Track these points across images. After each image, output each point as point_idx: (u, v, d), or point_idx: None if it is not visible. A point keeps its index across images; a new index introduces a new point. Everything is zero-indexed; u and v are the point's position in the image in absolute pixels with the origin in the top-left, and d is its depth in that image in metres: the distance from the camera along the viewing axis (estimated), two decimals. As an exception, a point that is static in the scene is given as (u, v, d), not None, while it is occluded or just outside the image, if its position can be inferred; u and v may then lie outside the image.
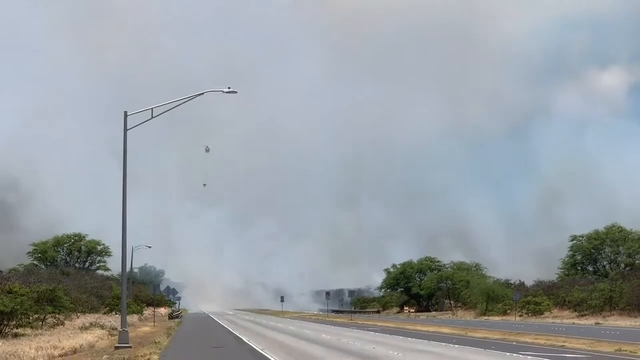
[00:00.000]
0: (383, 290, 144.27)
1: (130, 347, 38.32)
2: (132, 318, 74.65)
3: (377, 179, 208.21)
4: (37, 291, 54.94)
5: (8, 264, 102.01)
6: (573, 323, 73.43)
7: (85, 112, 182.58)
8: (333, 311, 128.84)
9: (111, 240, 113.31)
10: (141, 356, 32.45)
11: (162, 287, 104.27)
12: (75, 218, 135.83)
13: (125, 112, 40.72)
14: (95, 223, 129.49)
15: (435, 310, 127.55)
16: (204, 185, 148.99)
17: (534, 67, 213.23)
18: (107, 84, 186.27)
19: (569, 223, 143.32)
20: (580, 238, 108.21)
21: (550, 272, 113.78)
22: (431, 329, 61.80)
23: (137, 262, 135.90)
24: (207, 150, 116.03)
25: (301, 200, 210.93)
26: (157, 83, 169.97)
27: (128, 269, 62.65)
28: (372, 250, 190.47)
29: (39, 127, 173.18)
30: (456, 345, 40.11)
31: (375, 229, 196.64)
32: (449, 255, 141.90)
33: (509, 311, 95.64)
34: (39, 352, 34.38)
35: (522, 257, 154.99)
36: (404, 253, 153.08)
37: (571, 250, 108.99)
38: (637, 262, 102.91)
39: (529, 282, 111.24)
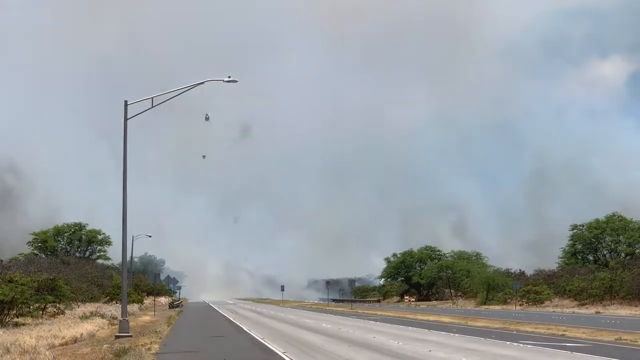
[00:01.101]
0: (383, 279, 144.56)
1: (130, 336, 38.28)
2: (133, 307, 74.70)
3: (368, 168, 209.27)
4: (38, 280, 54.94)
5: (6, 251, 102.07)
6: (573, 312, 73.46)
7: (84, 99, 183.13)
8: (333, 300, 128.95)
9: (109, 228, 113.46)
10: (142, 345, 32.42)
11: (163, 277, 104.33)
12: (73, 206, 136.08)
13: (126, 102, 40.25)
14: (93, 211, 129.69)
15: (436, 299, 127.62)
16: (204, 157, 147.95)
17: (530, 56, 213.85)
18: (105, 73, 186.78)
19: (561, 211, 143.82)
20: (581, 227, 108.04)
21: (546, 260, 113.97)
22: (432, 318, 61.81)
23: (138, 251, 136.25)
24: (207, 118, 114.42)
25: (295, 190, 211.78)
26: (156, 74, 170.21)
27: (128, 258, 62.59)
28: (364, 239, 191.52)
29: (35, 115, 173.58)
30: (456, 335, 40.09)
31: (367, 218, 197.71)
32: (444, 243, 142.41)
33: (509, 300, 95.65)
34: (40, 342, 34.36)
35: (515, 244, 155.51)
36: (398, 242, 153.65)
37: (571, 240, 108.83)
38: (637, 251, 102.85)
39: (529, 272, 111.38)
